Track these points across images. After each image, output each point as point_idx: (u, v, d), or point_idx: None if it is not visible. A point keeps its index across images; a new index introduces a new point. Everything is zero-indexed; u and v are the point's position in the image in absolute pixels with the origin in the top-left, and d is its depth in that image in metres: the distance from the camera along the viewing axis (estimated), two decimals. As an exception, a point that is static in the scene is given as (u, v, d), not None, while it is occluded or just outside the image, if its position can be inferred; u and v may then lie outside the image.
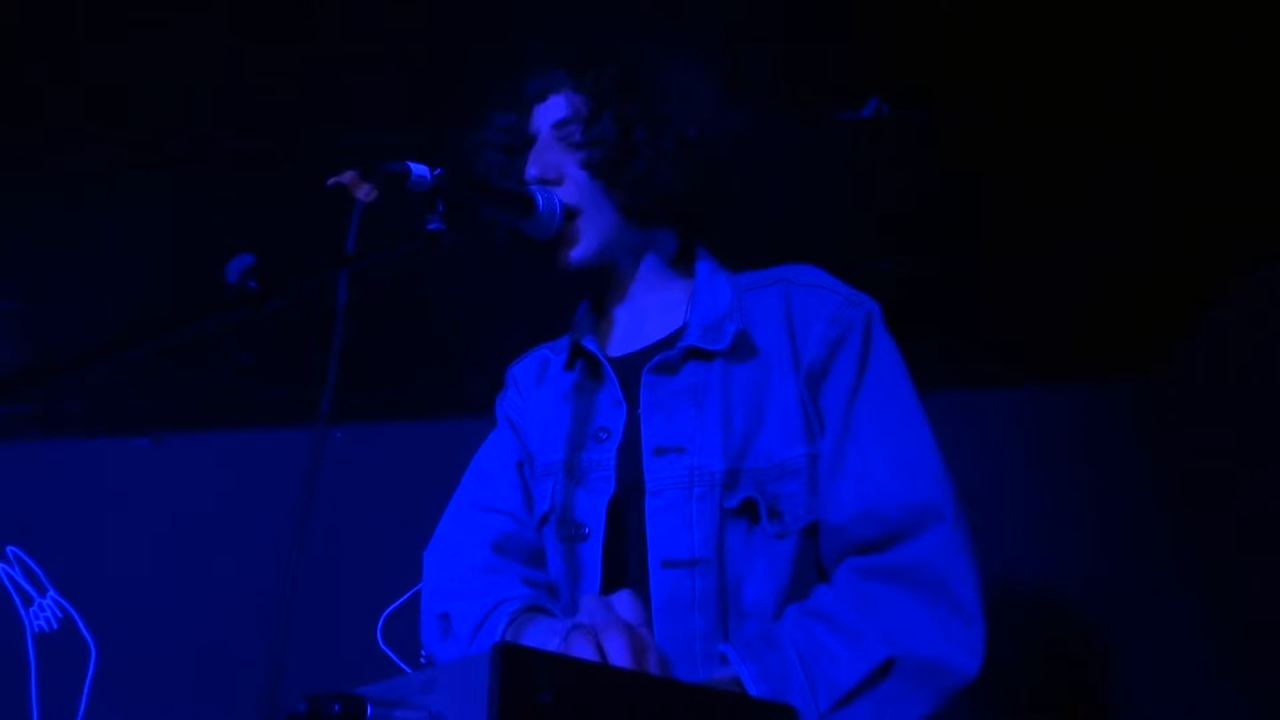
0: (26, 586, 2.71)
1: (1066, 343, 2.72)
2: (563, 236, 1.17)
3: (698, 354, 1.12)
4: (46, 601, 2.69)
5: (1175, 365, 2.74)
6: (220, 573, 2.64)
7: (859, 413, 1.06)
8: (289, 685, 0.66)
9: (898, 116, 2.01)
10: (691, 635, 0.99)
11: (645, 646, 0.81)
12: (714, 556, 1.01)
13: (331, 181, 0.99)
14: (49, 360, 0.69)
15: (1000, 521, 2.40)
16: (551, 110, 1.22)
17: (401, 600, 2.65)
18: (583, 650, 0.79)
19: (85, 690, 2.59)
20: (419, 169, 0.98)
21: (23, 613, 2.69)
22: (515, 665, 0.58)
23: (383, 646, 2.64)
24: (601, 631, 0.81)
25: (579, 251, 1.18)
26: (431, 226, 0.97)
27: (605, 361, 1.17)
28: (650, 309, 1.23)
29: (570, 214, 1.17)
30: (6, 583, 2.71)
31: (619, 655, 0.79)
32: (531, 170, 1.18)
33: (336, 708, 0.59)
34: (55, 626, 2.67)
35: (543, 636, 0.96)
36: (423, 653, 1.21)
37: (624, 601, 0.86)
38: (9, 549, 2.74)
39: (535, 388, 1.29)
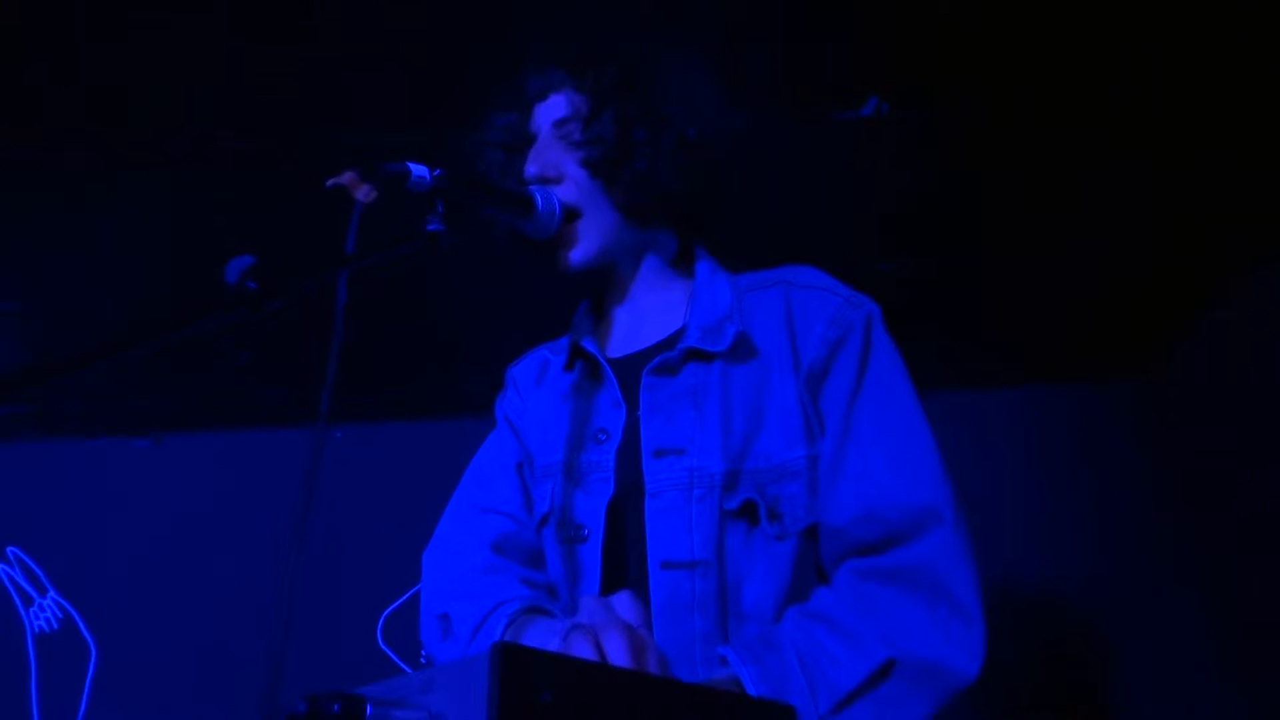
0: (27, 587, 2.71)
1: (1066, 343, 2.71)
2: (562, 237, 1.17)
3: (697, 355, 1.12)
4: (47, 602, 2.69)
5: (1175, 365, 2.74)
6: (220, 573, 2.64)
7: (859, 414, 1.06)
8: (289, 685, 0.66)
9: (898, 116, 2.01)
10: (691, 637, 0.99)
11: (645, 646, 0.81)
12: (714, 558, 1.01)
13: (331, 182, 0.99)
14: (49, 360, 0.69)
15: (1000, 521, 2.40)
16: (552, 109, 1.22)
17: (401, 600, 2.65)
18: (582, 650, 0.79)
19: (85, 690, 2.59)
20: (418, 169, 0.99)
21: (23, 613, 2.69)
22: (515, 665, 0.58)
23: (383, 646, 2.64)
24: (601, 631, 0.81)
25: (579, 253, 1.18)
26: (431, 227, 0.97)
27: (604, 363, 1.17)
28: (650, 310, 1.23)
29: (570, 214, 1.17)
30: (7, 583, 2.71)
31: (618, 655, 0.79)
32: (531, 169, 1.18)
33: (336, 708, 0.59)
34: (55, 627, 2.67)
35: (542, 637, 0.96)
36: (423, 653, 1.21)
37: (624, 602, 0.86)
38: (9, 549, 2.74)
39: (535, 389, 1.29)
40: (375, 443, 2.79)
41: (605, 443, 1.12)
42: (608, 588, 1.03)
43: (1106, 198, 2.23)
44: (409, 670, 2.44)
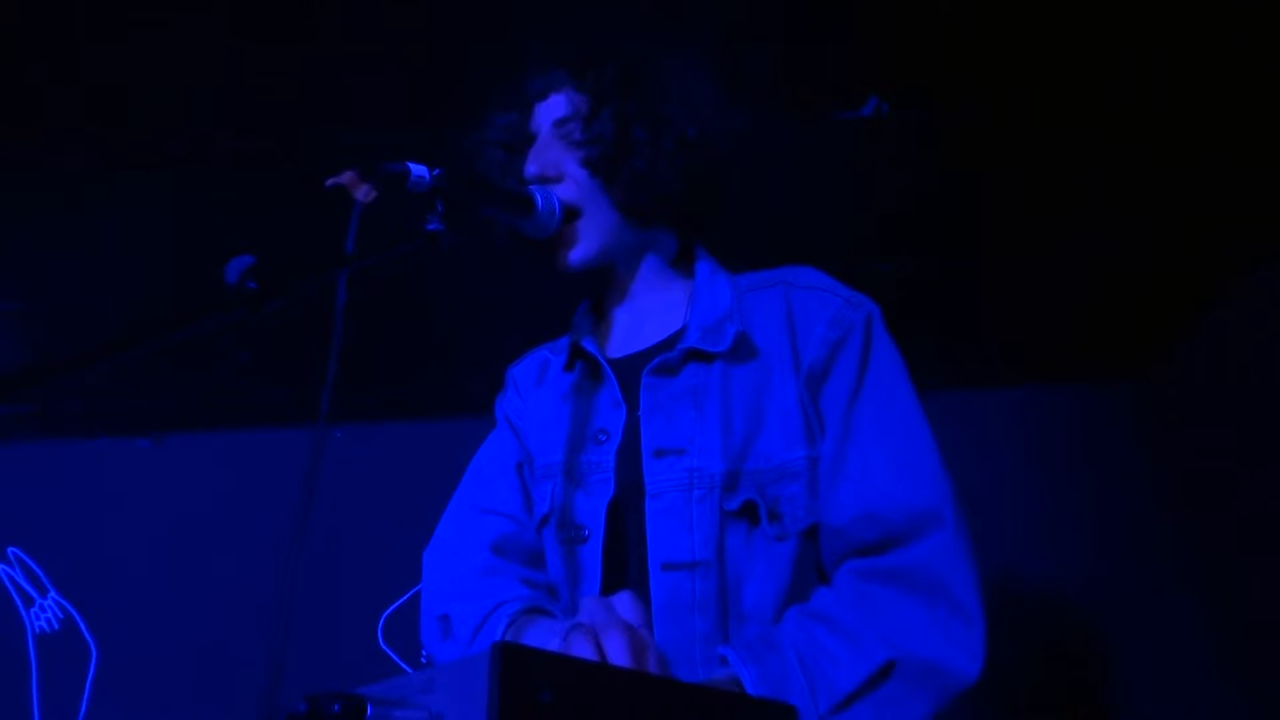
0: (27, 587, 2.71)
1: (1066, 343, 2.71)
2: (562, 236, 1.17)
3: (697, 356, 1.12)
4: (47, 602, 2.69)
5: (1175, 365, 2.74)
6: (220, 573, 2.64)
7: (859, 415, 1.06)
8: (289, 685, 0.66)
9: (898, 116, 2.01)
10: (691, 637, 0.99)
11: (645, 646, 0.81)
12: (714, 559, 1.01)
13: (331, 182, 0.99)
14: (49, 360, 0.69)
15: (1000, 521, 2.40)
16: (552, 109, 1.22)
17: (401, 600, 2.65)
18: (582, 650, 0.79)
19: (86, 691, 2.59)
20: (418, 169, 0.99)
21: (24, 613, 2.69)
22: (515, 664, 0.58)
23: (383, 646, 2.64)
24: (601, 631, 0.81)
25: (578, 252, 1.18)
26: (431, 227, 0.97)
27: (604, 363, 1.17)
28: (650, 310, 1.23)
29: (570, 213, 1.17)
30: (7, 583, 2.71)
31: (618, 655, 0.79)
32: (531, 168, 1.18)
33: (336, 708, 0.59)
34: (56, 627, 2.67)
35: (543, 637, 0.96)
36: (423, 653, 1.21)
37: (624, 602, 0.86)
38: (10, 550, 2.74)
39: (535, 389, 1.29)
40: (375, 443, 2.79)
41: (605, 443, 1.12)
42: (608, 588, 1.03)
43: (1106, 198, 2.23)
44: (409, 670, 2.44)
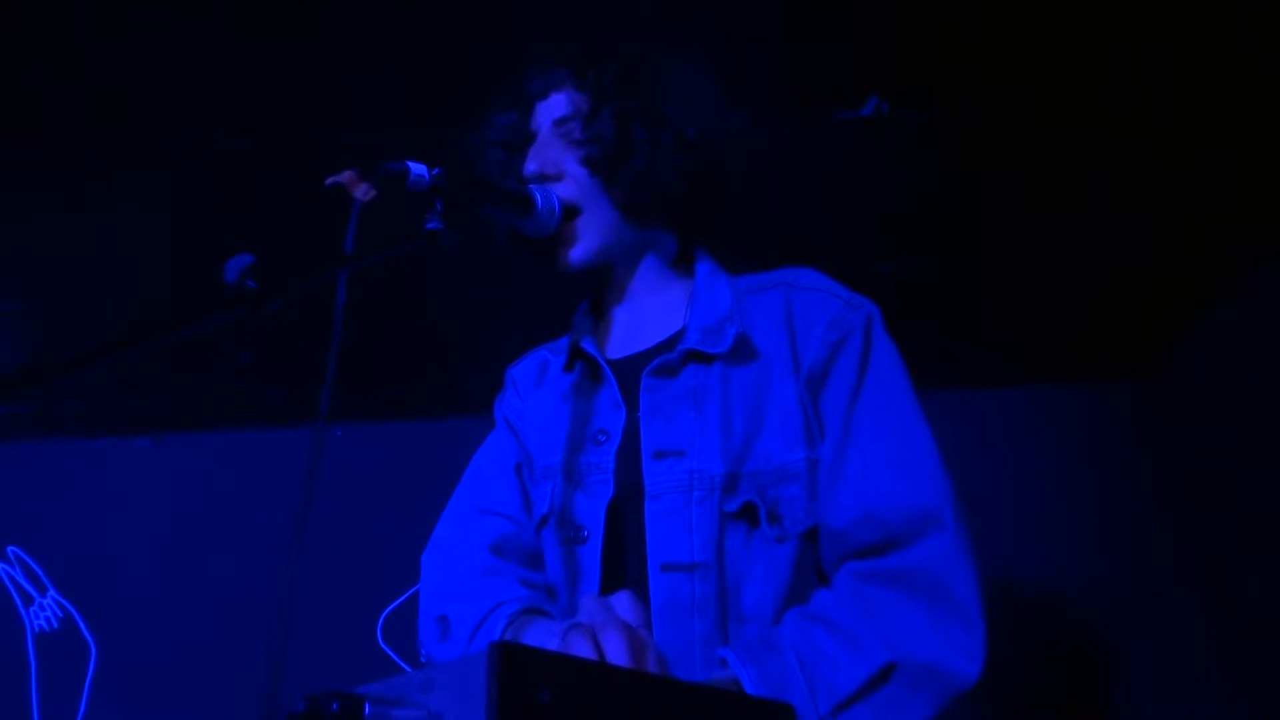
0: (27, 586, 2.71)
1: (1066, 343, 2.71)
2: (562, 235, 1.17)
3: (697, 357, 1.12)
4: (47, 601, 2.69)
5: (1175, 365, 2.74)
6: (220, 573, 2.64)
7: (859, 416, 1.06)
8: (289, 685, 0.66)
9: (898, 116, 2.01)
10: (691, 639, 0.99)
11: (644, 646, 0.81)
12: (713, 560, 1.01)
13: (330, 181, 0.99)
14: (49, 360, 0.69)
15: (1000, 521, 2.40)
16: (552, 108, 1.22)
17: (401, 600, 2.65)
18: (581, 649, 0.79)
19: (85, 690, 2.59)
20: (418, 168, 0.98)
21: (23, 612, 2.69)
22: (514, 664, 0.58)
23: (383, 646, 2.64)
24: (600, 631, 0.81)
25: (578, 252, 1.18)
26: (430, 226, 0.97)
27: (604, 364, 1.17)
28: (649, 311, 1.22)
29: (569, 212, 1.17)
30: (7, 582, 2.71)
31: (617, 654, 0.79)
32: (531, 166, 1.18)
33: (335, 707, 0.59)
34: (55, 626, 2.67)
35: (542, 638, 0.96)
36: (422, 654, 1.21)
37: (623, 602, 0.86)
38: (9, 549, 2.74)
39: (534, 389, 1.29)
40: (375, 443, 2.79)
41: (605, 444, 1.12)
42: (607, 589, 1.02)
43: (1106, 198, 2.23)
44: (409, 670, 2.44)
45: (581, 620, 0.84)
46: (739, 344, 1.11)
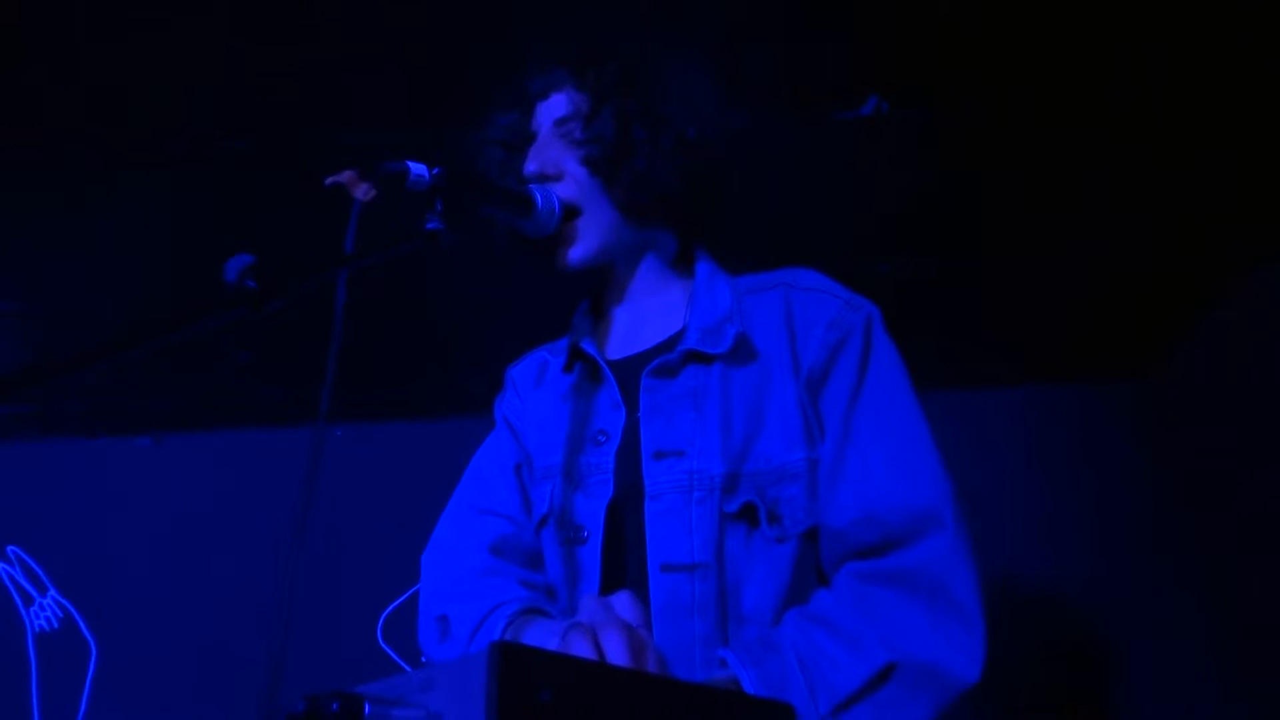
0: (27, 586, 2.71)
1: (1066, 343, 2.71)
2: (562, 235, 1.17)
3: (697, 357, 1.12)
4: (47, 601, 2.69)
5: (1175, 365, 2.74)
6: (220, 573, 2.64)
7: (859, 417, 1.06)
8: (289, 685, 0.66)
9: (898, 116, 2.01)
10: (691, 639, 0.99)
11: (644, 645, 0.81)
12: (713, 561, 1.01)
13: (330, 181, 0.99)
14: (49, 360, 0.69)
15: (1000, 521, 2.40)
16: (553, 108, 1.22)
17: (401, 599, 2.65)
18: (581, 649, 0.79)
19: (86, 690, 2.60)
20: (417, 168, 0.98)
21: (23, 612, 2.69)
22: (514, 664, 0.58)
23: (383, 646, 2.64)
24: (600, 630, 0.81)
25: (578, 251, 1.18)
26: (430, 226, 0.97)
27: (604, 364, 1.17)
28: (649, 311, 1.22)
29: (570, 212, 1.17)
30: (7, 582, 2.72)
31: (617, 654, 0.79)
32: (531, 166, 1.18)
33: (334, 706, 0.59)
34: (56, 626, 2.67)
35: (541, 638, 0.96)
36: (423, 655, 1.21)
37: (623, 602, 0.86)
38: (10, 549, 2.74)
39: (534, 390, 1.29)
40: (375, 443, 2.79)
41: (605, 444, 1.12)
42: (607, 590, 1.02)
43: (1106, 198, 2.23)
44: (409, 669, 2.44)
45: (581, 620, 0.84)
46: (739, 344, 1.11)
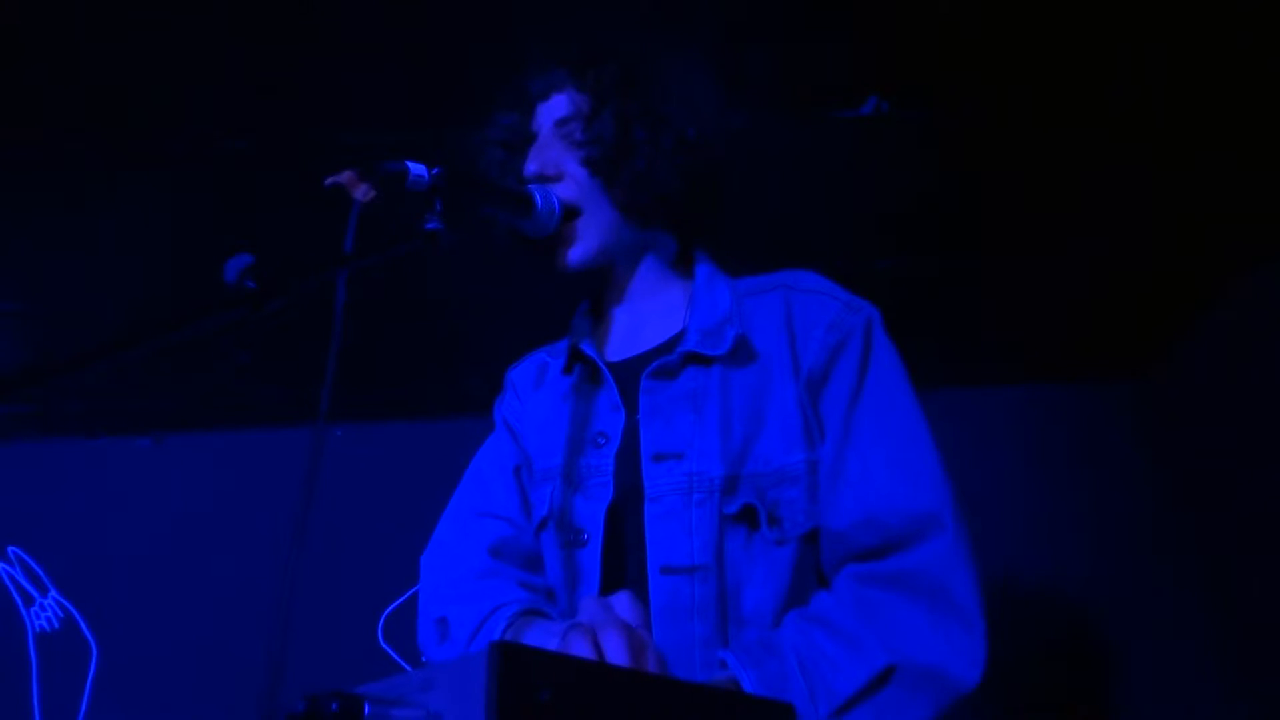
0: (28, 586, 2.71)
1: (1066, 343, 2.71)
2: (562, 235, 1.17)
3: (697, 359, 1.12)
4: (48, 601, 2.69)
5: (1175, 365, 2.74)
6: (220, 573, 2.64)
7: (859, 419, 1.06)
8: (289, 685, 0.66)
9: (898, 116, 2.01)
10: (691, 642, 0.99)
11: (643, 646, 0.81)
12: (713, 563, 1.01)
13: (330, 181, 0.99)
14: (49, 360, 0.69)
15: (1000, 521, 2.40)
16: (554, 109, 1.22)
17: (402, 599, 2.65)
18: (580, 649, 0.79)
19: (86, 690, 2.59)
20: (417, 168, 0.98)
21: (24, 612, 2.69)
22: (513, 663, 0.58)
23: (383, 646, 2.64)
24: (599, 630, 0.81)
25: (578, 252, 1.18)
26: (430, 226, 0.97)
27: (603, 366, 1.17)
28: (649, 312, 1.22)
29: (570, 212, 1.17)
30: (8, 582, 2.72)
31: (617, 654, 0.79)
32: (531, 167, 1.18)
33: (334, 707, 0.59)
34: (56, 626, 2.67)
35: (541, 639, 0.96)
36: (423, 656, 1.21)
37: (623, 603, 0.86)
38: (10, 549, 2.74)
39: (533, 392, 1.29)
40: (375, 443, 2.79)
41: (604, 446, 1.12)
42: (607, 592, 1.02)
43: (1106, 198, 2.23)
44: (409, 669, 2.44)
45: (581, 620, 0.84)
46: (738, 346, 1.11)
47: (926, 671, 0.90)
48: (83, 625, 2.66)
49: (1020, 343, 2.71)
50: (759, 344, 1.12)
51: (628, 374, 1.15)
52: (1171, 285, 2.52)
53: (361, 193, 0.99)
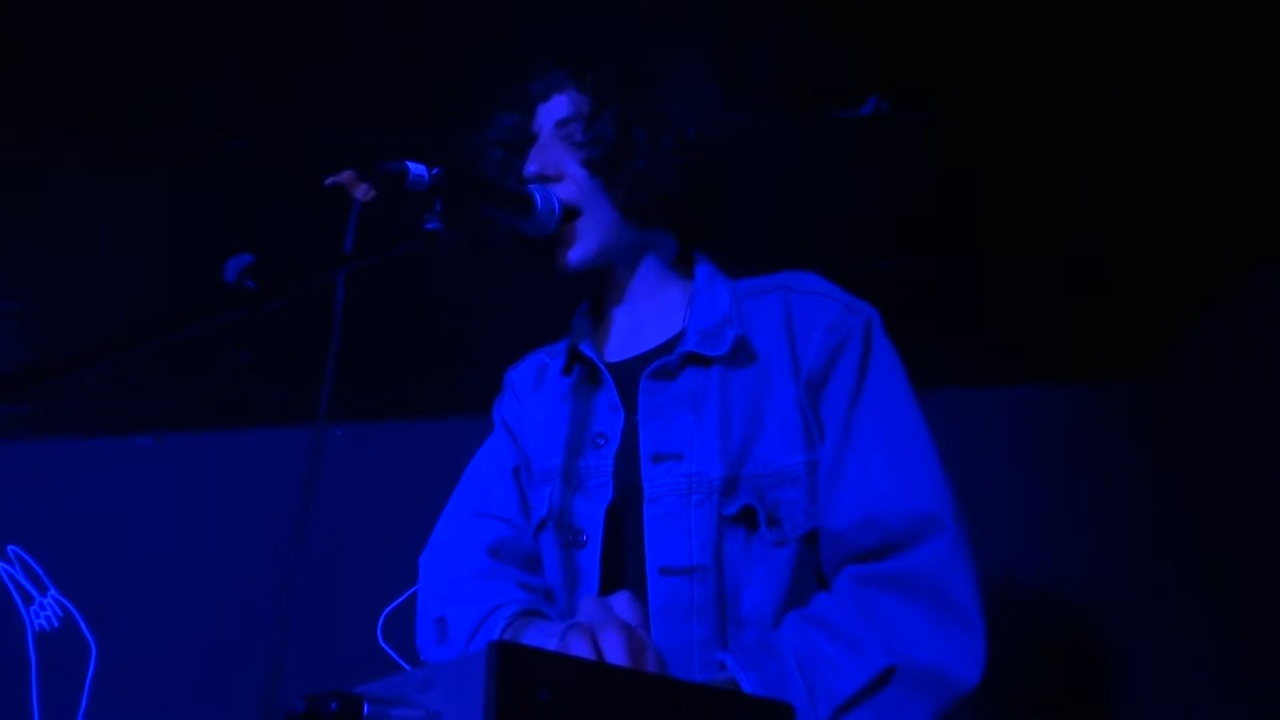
0: (27, 585, 2.71)
1: (1066, 343, 2.71)
2: (562, 235, 1.17)
3: (696, 360, 1.12)
4: (47, 600, 2.69)
5: (1175, 365, 2.74)
6: (220, 573, 2.64)
7: (859, 420, 1.06)
8: (289, 685, 0.66)
9: (898, 116, 2.01)
10: (690, 643, 0.99)
11: (642, 645, 0.81)
12: (712, 564, 1.01)
13: (329, 181, 0.99)
14: (49, 360, 0.69)
15: (1000, 521, 2.40)
16: (554, 109, 1.22)
17: (401, 599, 2.65)
18: (579, 648, 0.79)
19: (86, 689, 2.59)
20: (417, 168, 0.98)
21: (23, 611, 2.69)
22: (513, 663, 0.58)
23: (383, 645, 2.64)
24: (599, 630, 0.81)
25: (578, 252, 1.18)
26: (429, 226, 0.97)
27: (603, 367, 1.17)
28: (649, 313, 1.22)
29: (570, 212, 1.17)
30: (7, 581, 2.72)
31: (616, 653, 0.79)
32: (531, 167, 1.19)
33: (334, 706, 0.59)
34: (56, 625, 2.67)
35: (540, 639, 0.96)
36: (421, 657, 1.21)
37: (622, 603, 0.86)
38: (10, 548, 2.74)
39: (532, 393, 1.29)
40: (375, 443, 2.79)
41: (604, 447, 1.12)
42: (606, 593, 1.02)
43: (1106, 198, 2.23)
44: (409, 669, 2.43)
45: (580, 620, 0.84)
46: (738, 347, 1.11)
47: (926, 672, 0.90)
48: (82, 624, 2.66)
49: (1020, 343, 2.71)
50: (759, 345, 1.12)
51: (627, 375, 1.15)
52: (1171, 285, 2.52)
53: (361, 193, 0.99)
